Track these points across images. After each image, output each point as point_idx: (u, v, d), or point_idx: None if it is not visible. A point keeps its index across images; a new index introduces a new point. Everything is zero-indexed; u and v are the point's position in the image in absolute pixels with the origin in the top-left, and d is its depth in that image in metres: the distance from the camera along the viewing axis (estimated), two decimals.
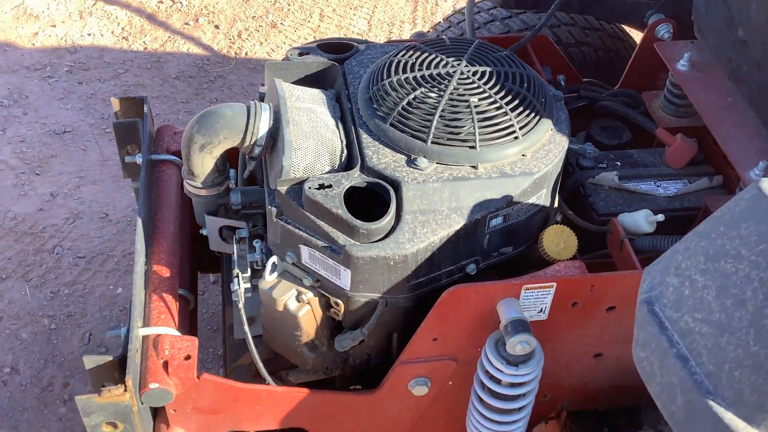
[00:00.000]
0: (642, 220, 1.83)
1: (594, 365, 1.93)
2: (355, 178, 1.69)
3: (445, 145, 1.71)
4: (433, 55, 1.86)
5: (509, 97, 1.77)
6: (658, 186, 2.12)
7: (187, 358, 1.72)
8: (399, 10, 4.87)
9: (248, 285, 1.80)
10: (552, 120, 1.82)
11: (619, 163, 2.18)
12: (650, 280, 1.50)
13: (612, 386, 2.01)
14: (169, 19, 4.69)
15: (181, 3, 4.78)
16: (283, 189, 1.68)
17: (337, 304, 1.77)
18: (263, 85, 2.01)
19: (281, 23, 4.72)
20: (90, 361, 1.66)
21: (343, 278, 1.69)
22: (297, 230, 1.69)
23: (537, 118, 1.78)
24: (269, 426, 1.91)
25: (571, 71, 2.44)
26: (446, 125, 1.72)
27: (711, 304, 1.37)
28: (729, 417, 1.25)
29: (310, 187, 1.65)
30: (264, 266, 1.82)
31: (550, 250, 1.77)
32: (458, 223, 1.68)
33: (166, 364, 1.71)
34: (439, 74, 1.81)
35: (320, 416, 1.92)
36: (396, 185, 1.68)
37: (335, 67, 1.98)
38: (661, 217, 1.85)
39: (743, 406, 1.25)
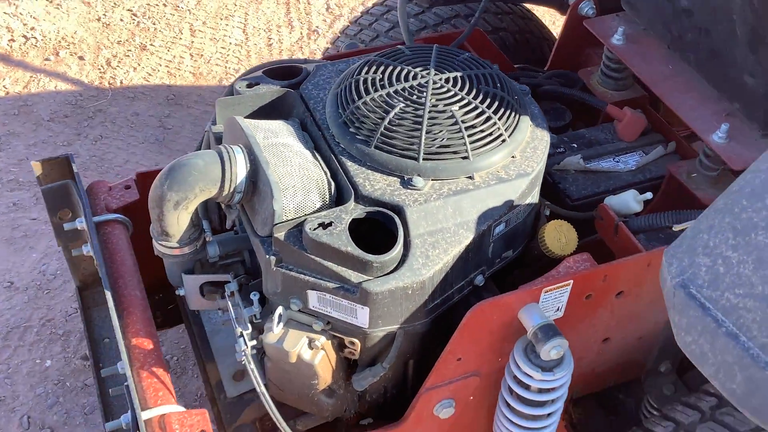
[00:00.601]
0: (632, 201, 1.85)
1: (601, 350, 1.94)
2: (354, 210, 1.60)
3: (438, 160, 1.64)
4: (399, 68, 1.78)
5: (488, 100, 1.72)
6: (617, 162, 2.16)
7: None
8: (272, 15, 4.71)
9: (254, 342, 1.66)
10: (528, 115, 1.79)
11: (575, 145, 2.19)
12: (678, 264, 1.50)
13: (615, 366, 2.04)
14: (26, 56, 4.30)
15: (35, 38, 4.40)
16: (281, 235, 1.56)
17: (352, 344, 1.67)
18: (214, 123, 1.86)
19: (151, 44, 4.45)
20: None
21: (361, 316, 1.59)
22: (302, 276, 1.58)
23: (517, 116, 1.75)
24: None
25: (503, 59, 2.43)
26: (434, 139, 1.65)
27: (751, 278, 1.39)
28: None
29: (311, 229, 1.54)
30: (262, 319, 1.70)
31: (554, 246, 1.75)
32: (467, 237, 1.62)
33: None
34: (411, 87, 1.73)
35: None
36: (398, 210, 1.60)
37: (291, 93, 1.86)
38: (649, 195, 1.88)
39: None
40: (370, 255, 1.52)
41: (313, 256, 1.55)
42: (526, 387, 1.67)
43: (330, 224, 1.55)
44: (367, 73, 1.79)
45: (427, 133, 1.65)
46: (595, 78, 2.34)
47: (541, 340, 1.58)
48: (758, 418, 1.41)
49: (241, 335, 1.64)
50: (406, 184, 1.63)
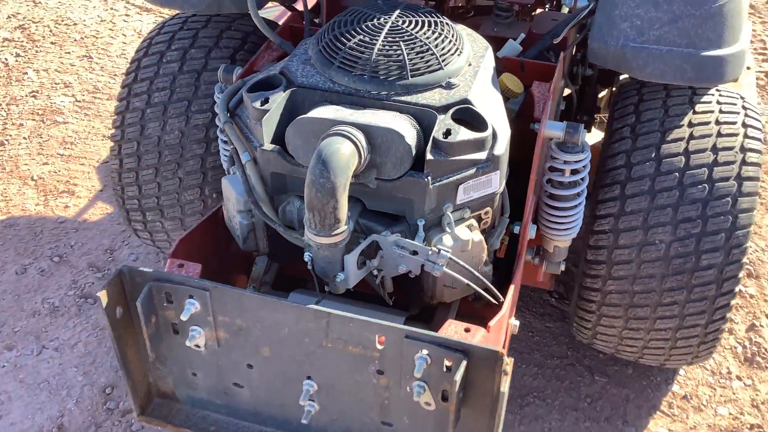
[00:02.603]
0: (516, 45, 2.62)
1: None
2: (449, 115, 2.03)
3: (431, 73, 2.11)
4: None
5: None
6: None
7: None
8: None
9: (446, 249, 2.00)
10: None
11: None
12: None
13: None
14: None
15: None
16: (431, 156, 1.94)
17: (486, 214, 2.14)
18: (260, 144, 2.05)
19: None
20: None
21: (494, 182, 2.08)
22: (451, 178, 1.99)
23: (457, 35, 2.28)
24: None
25: None
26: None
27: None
28: None
29: (444, 137, 1.96)
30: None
31: (514, 87, 2.41)
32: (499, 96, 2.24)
33: None
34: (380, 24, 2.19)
35: None
36: (466, 101, 2.07)
37: (297, 91, 2.12)
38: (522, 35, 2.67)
39: None
40: (485, 132, 2.01)
41: (459, 157, 1.97)
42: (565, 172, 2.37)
43: (449, 131, 1.99)
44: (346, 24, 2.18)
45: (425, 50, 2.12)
46: None
47: (573, 131, 2.28)
48: None
49: (439, 251, 1.98)
50: (449, 86, 2.12)
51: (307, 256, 1.97)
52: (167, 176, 2.80)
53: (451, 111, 2.04)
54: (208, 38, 2.92)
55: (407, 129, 1.96)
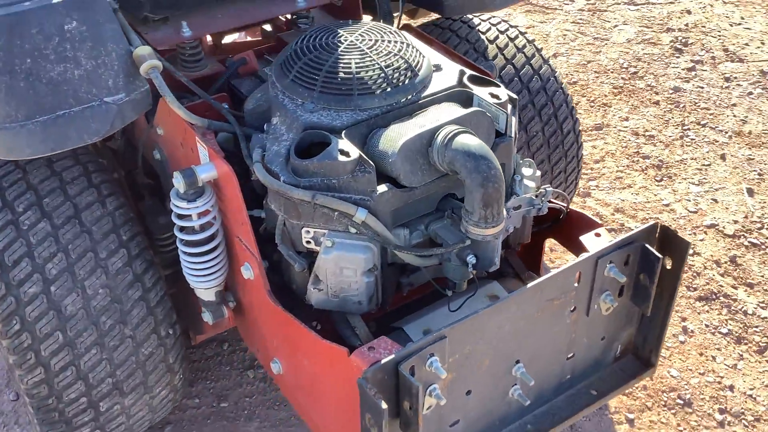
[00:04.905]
0: None
1: None
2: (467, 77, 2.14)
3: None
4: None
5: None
6: None
7: None
8: None
9: None
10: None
11: None
12: None
13: None
14: None
15: None
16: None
17: None
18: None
19: None
20: None
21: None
22: None
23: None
24: None
25: None
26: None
27: None
28: None
29: (499, 99, 2.06)
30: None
31: None
32: None
33: None
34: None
35: None
36: None
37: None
38: None
39: None
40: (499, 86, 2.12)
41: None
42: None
43: (494, 94, 2.10)
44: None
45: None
46: None
47: None
48: None
49: (546, 190, 2.07)
50: (438, 68, 2.16)
51: (471, 258, 1.89)
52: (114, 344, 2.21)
53: (465, 77, 2.11)
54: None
55: (479, 107, 1.99)
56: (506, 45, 2.92)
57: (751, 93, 4.53)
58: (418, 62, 2.07)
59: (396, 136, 1.88)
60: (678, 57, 4.87)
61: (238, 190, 1.97)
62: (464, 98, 2.06)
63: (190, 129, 2.11)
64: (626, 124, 4.30)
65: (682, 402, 2.86)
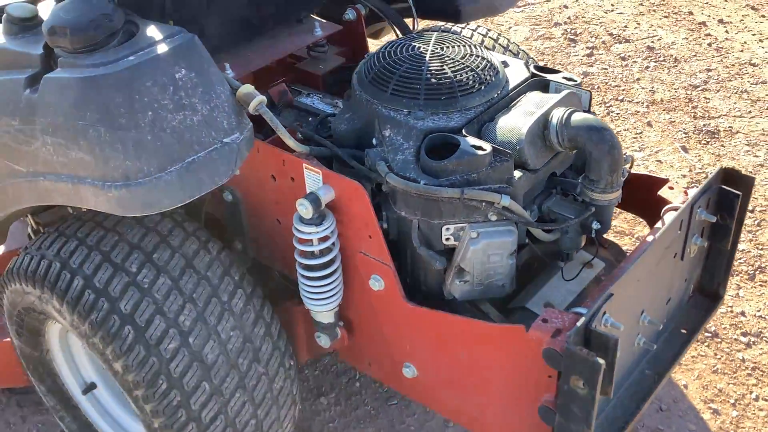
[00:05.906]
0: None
1: None
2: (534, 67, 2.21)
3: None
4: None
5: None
6: None
7: None
8: None
9: None
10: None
11: None
12: None
13: None
14: None
15: None
16: None
17: None
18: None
19: None
20: None
21: None
22: None
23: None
24: None
25: None
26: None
27: None
28: None
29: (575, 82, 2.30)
30: None
31: None
32: None
33: None
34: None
35: None
36: None
37: None
38: None
39: None
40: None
41: None
42: None
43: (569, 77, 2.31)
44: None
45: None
46: None
47: None
48: None
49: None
50: (505, 64, 2.33)
51: (596, 224, 2.07)
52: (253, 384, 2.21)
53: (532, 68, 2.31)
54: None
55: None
56: (493, 46, 3.16)
57: (648, 67, 5.06)
58: (494, 61, 2.24)
59: (514, 126, 2.04)
60: (574, 46, 5.34)
61: (369, 202, 2.04)
62: (542, 85, 2.26)
63: (292, 158, 2.15)
64: None
65: (710, 334, 3.19)
